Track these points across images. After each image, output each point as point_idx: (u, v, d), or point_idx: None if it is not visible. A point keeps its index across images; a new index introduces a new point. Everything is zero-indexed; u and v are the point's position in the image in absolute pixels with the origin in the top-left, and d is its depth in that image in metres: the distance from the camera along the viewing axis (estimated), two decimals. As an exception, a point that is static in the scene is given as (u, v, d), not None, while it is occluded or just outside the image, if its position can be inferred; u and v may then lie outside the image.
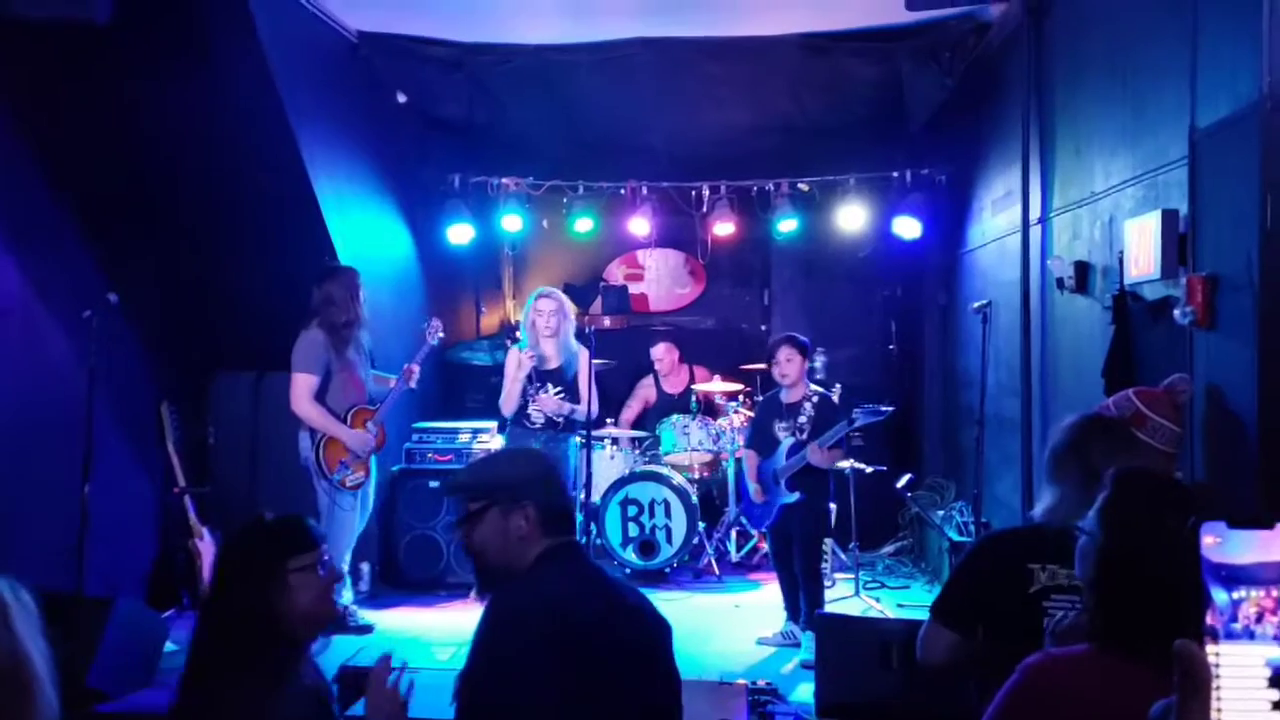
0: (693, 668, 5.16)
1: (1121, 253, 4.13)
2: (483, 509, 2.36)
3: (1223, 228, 3.41)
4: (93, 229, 5.82)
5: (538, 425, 6.33)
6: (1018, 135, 5.62)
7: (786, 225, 7.78)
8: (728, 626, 6.05)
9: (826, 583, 6.67)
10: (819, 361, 7.67)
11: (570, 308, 6.54)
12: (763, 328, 8.81)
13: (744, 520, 7.25)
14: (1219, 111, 3.41)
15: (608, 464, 7.34)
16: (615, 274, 9.02)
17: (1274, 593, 0.87)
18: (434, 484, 6.79)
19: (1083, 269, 4.76)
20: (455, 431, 7.12)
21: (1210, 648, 0.88)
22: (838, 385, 6.90)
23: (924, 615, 2.74)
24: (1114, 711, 1.03)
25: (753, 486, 5.86)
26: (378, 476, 6.07)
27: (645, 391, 8.17)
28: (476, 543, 2.38)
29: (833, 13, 6.52)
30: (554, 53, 6.97)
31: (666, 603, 6.46)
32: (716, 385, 7.71)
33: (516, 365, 6.34)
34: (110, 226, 5.89)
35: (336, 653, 4.68)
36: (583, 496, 6.28)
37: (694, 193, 7.86)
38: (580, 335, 6.55)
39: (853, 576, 6.67)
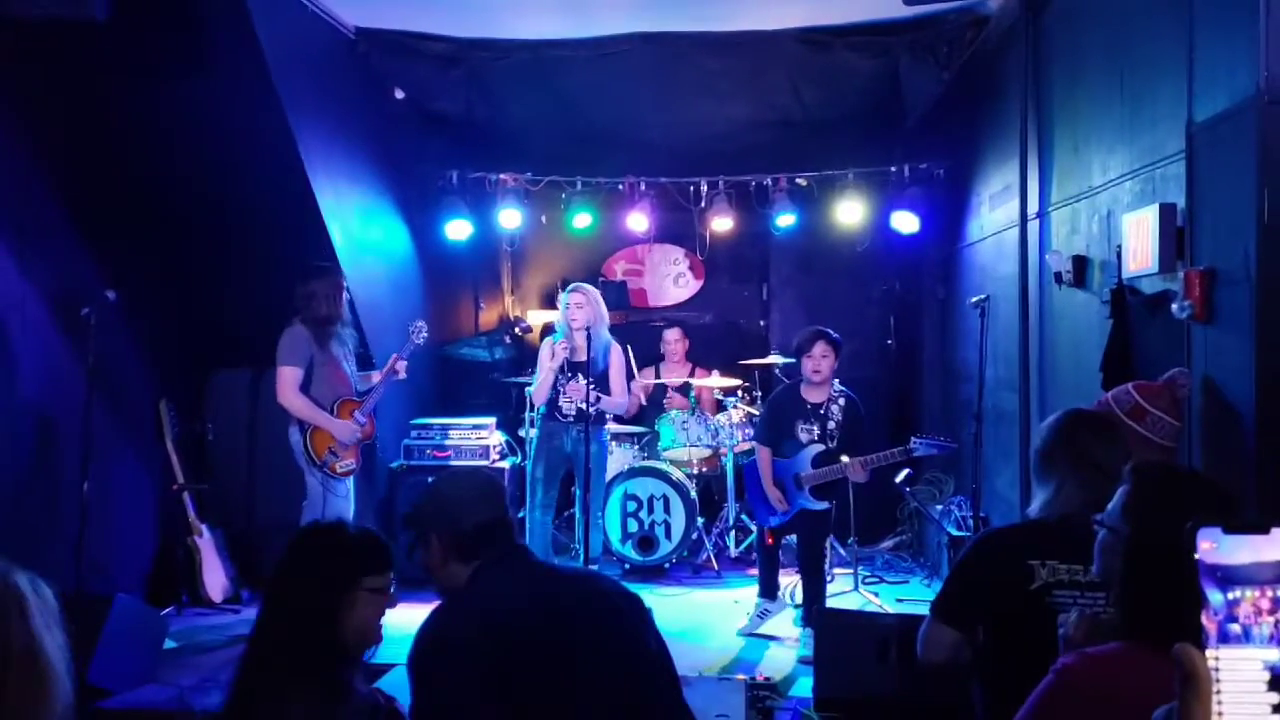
0: (692, 663, 5.18)
1: (1119, 247, 4.13)
2: (415, 539, 2.54)
3: (1220, 222, 3.41)
4: (91, 226, 5.81)
5: (570, 417, 6.45)
6: (1015, 129, 5.61)
7: (785, 220, 7.78)
8: (727, 622, 6.04)
9: (828, 577, 6.70)
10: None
11: (602, 303, 6.61)
12: (761, 323, 8.81)
13: (744, 517, 7.26)
14: (1216, 106, 3.41)
15: (607, 459, 7.33)
16: (614, 270, 9.02)
17: (1269, 593, 0.88)
18: (432, 480, 6.77)
19: (1081, 263, 4.76)
20: (454, 428, 7.12)
21: (1210, 652, 0.88)
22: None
23: (923, 610, 2.73)
24: (1154, 708, 1.03)
25: (774, 494, 5.64)
26: (376, 473, 6.09)
27: (646, 383, 8.17)
28: (427, 567, 2.55)
29: (831, 7, 6.51)
30: (552, 48, 6.97)
31: (665, 598, 6.49)
32: (715, 381, 7.72)
33: (550, 355, 6.49)
34: (108, 223, 5.89)
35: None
36: (582, 493, 6.30)
37: (692, 188, 7.86)
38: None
39: (851, 571, 6.68)
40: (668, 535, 7.02)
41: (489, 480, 2.67)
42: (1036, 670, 1.85)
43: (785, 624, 5.85)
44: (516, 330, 8.48)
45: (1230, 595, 0.88)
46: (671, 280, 9.01)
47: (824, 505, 5.61)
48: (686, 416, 7.43)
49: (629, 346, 6.61)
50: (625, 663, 2.36)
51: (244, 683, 2.19)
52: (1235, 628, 0.87)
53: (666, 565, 7.14)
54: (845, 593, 6.46)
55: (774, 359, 7.55)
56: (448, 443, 7.02)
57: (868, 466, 5.45)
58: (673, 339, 8.23)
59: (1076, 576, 2.46)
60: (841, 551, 7.03)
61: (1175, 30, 3.69)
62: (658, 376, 8.14)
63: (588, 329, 6.36)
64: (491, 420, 7.22)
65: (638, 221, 7.90)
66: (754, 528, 7.30)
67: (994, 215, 6.43)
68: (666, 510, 7.02)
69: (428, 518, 2.52)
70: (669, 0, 6.36)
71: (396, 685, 2.84)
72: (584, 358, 6.40)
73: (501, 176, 7.80)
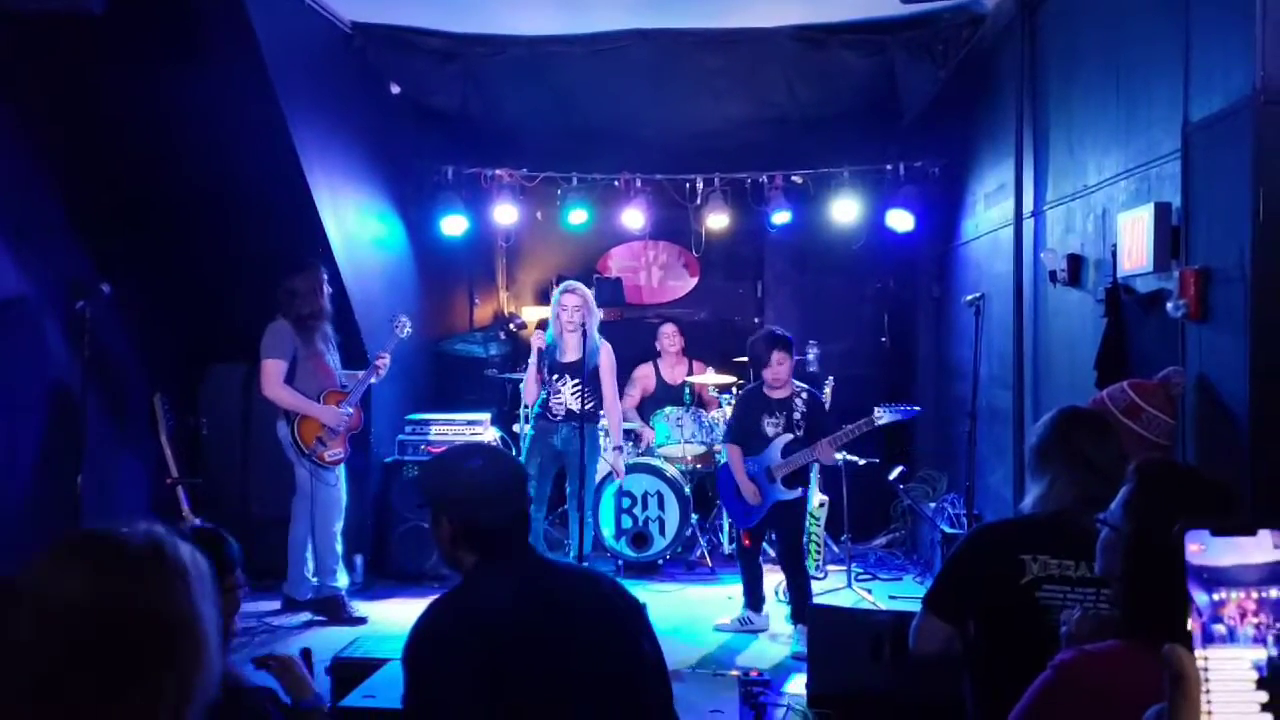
0: (684, 659, 5.20)
1: (1114, 246, 4.14)
2: (429, 511, 2.45)
3: (1215, 221, 3.42)
4: (86, 220, 5.81)
5: (559, 417, 6.39)
6: (1011, 128, 5.62)
7: (780, 217, 7.78)
8: (720, 618, 6.05)
9: (819, 574, 6.72)
10: (811, 354, 7.69)
11: (593, 301, 6.51)
12: (756, 320, 8.80)
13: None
14: (1212, 105, 3.42)
15: (599, 457, 7.32)
16: (609, 266, 9.01)
17: (1254, 594, 0.88)
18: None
19: (1075, 262, 4.77)
20: (448, 423, 7.12)
21: (1199, 652, 0.89)
22: (830, 378, 6.93)
23: (916, 607, 2.75)
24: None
25: (749, 488, 5.70)
26: (370, 467, 6.10)
27: (645, 380, 8.16)
28: (434, 537, 2.46)
29: (827, 5, 6.51)
30: (548, 44, 6.96)
31: (659, 595, 6.49)
32: (710, 377, 7.72)
33: (532, 351, 6.42)
34: (104, 217, 5.88)
35: (331, 643, 4.68)
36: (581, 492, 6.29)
37: (688, 185, 7.86)
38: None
39: (845, 568, 6.69)
40: (661, 531, 7.03)
41: (514, 475, 2.50)
42: (1025, 664, 1.86)
43: (775, 621, 5.87)
44: (511, 326, 8.46)
45: (1215, 597, 0.89)
46: (667, 277, 9.01)
47: (796, 493, 5.68)
48: (681, 413, 7.43)
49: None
50: (619, 667, 2.35)
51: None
52: (1220, 629, 0.88)
53: (660, 562, 7.15)
54: (838, 590, 6.46)
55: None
56: (442, 438, 7.02)
57: (836, 443, 5.55)
58: (669, 332, 8.20)
59: (1067, 572, 2.48)
60: (835, 548, 7.04)
61: (1171, 30, 3.70)
62: (656, 372, 8.14)
63: (582, 328, 6.34)
64: (486, 416, 7.22)
65: (633, 218, 7.90)
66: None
67: (989, 214, 6.44)
68: (660, 506, 7.03)
69: (446, 501, 2.40)
70: (666, -3, 6.37)
71: (391, 680, 2.83)
72: (573, 358, 6.34)
73: (497, 172, 7.79)
